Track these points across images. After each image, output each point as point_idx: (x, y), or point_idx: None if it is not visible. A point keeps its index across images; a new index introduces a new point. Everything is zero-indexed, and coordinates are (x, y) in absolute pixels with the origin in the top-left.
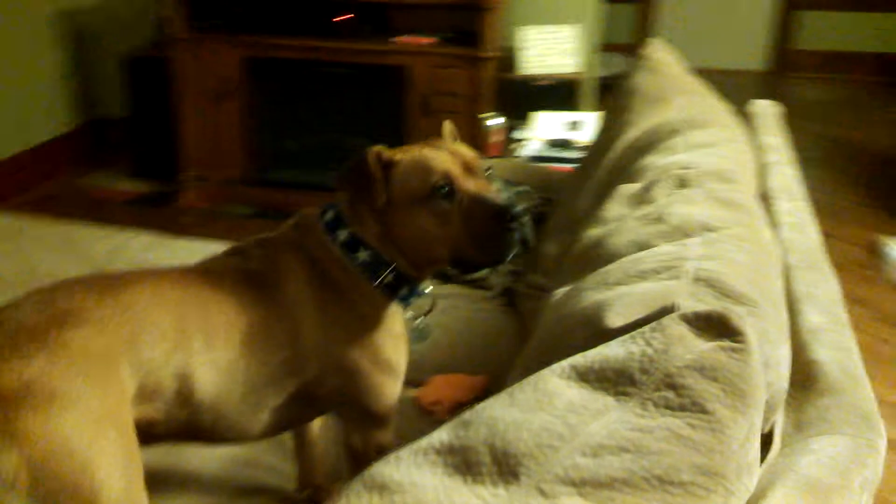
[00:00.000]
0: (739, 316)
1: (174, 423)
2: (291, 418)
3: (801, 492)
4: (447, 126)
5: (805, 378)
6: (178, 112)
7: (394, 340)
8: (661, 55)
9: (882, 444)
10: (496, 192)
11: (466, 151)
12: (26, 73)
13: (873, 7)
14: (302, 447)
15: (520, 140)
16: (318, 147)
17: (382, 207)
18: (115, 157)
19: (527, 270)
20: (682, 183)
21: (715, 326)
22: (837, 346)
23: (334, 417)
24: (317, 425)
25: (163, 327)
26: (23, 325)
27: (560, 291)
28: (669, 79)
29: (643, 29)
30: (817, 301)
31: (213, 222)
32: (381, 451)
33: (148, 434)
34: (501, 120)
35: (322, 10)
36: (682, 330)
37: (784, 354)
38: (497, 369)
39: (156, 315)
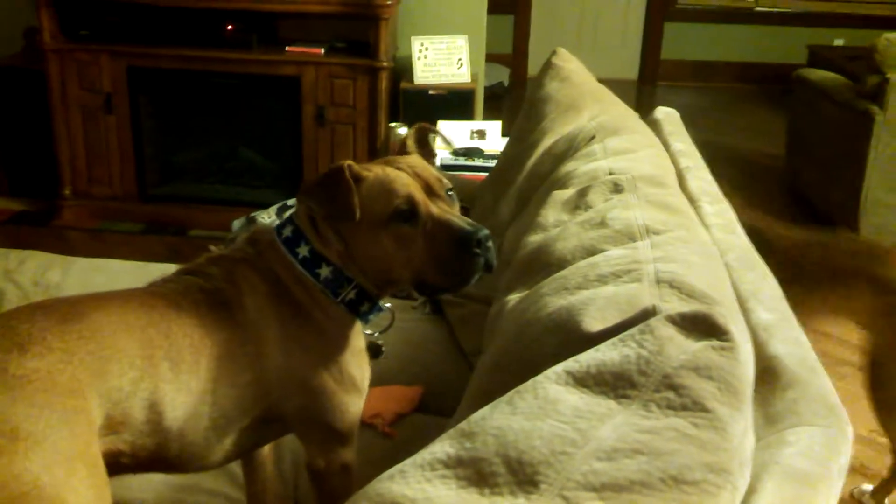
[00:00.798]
0: (723, 315)
1: (141, 452)
2: (254, 442)
3: (789, 482)
4: (409, 134)
5: (766, 373)
6: (54, 125)
7: (356, 357)
8: (570, 64)
9: (850, 432)
10: (460, 216)
11: (430, 172)
12: None
13: (731, 19)
14: (252, 469)
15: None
16: (208, 160)
17: (349, 224)
18: None
19: None
20: (617, 188)
21: (701, 326)
22: (792, 340)
23: (295, 439)
24: (267, 446)
25: (130, 354)
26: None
27: (512, 298)
28: (580, 87)
29: (521, 39)
30: (763, 299)
31: (100, 241)
32: (346, 470)
33: (114, 465)
34: (406, 129)
35: (208, 19)
36: (671, 331)
37: (749, 350)
38: (430, 378)
39: (122, 341)
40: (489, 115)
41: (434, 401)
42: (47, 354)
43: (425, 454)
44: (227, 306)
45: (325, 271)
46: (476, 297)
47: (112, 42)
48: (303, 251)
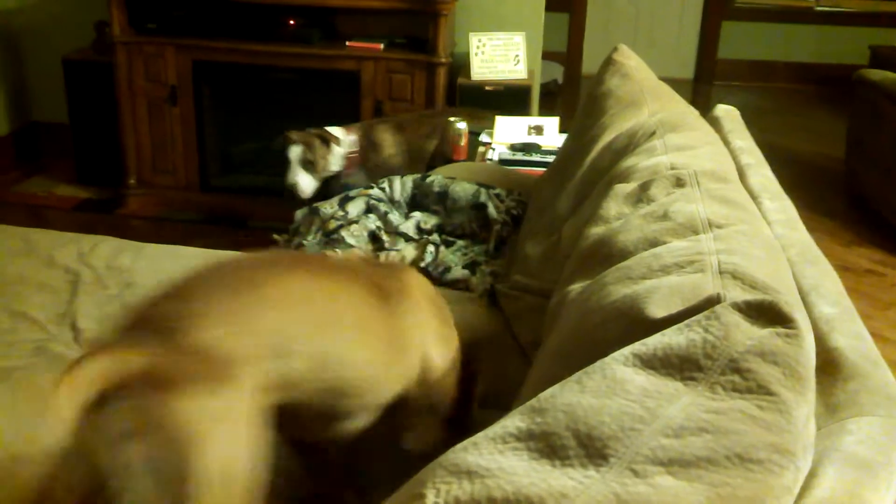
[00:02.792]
0: (788, 304)
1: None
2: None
3: (850, 469)
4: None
5: (828, 365)
6: (121, 116)
7: None
8: (631, 61)
9: None
10: None
11: None
12: None
13: (791, 19)
14: None
15: (485, 144)
16: (268, 152)
17: None
18: (55, 162)
19: (508, 271)
20: (679, 182)
21: (766, 314)
22: (853, 334)
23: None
24: None
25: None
26: (168, 323)
27: (574, 288)
28: (640, 83)
29: (576, 37)
30: (824, 293)
31: (161, 229)
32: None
33: (292, 421)
34: (465, 124)
35: (270, 14)
36: (736, 318)
37: (812, 340)
38: (487, 373)
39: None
40: (544, 111)
41: (492, 395)
42: (222, 325)
43: (496, 428)
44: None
45: None
46: (533, 290)
47: (178, 35)
48: None
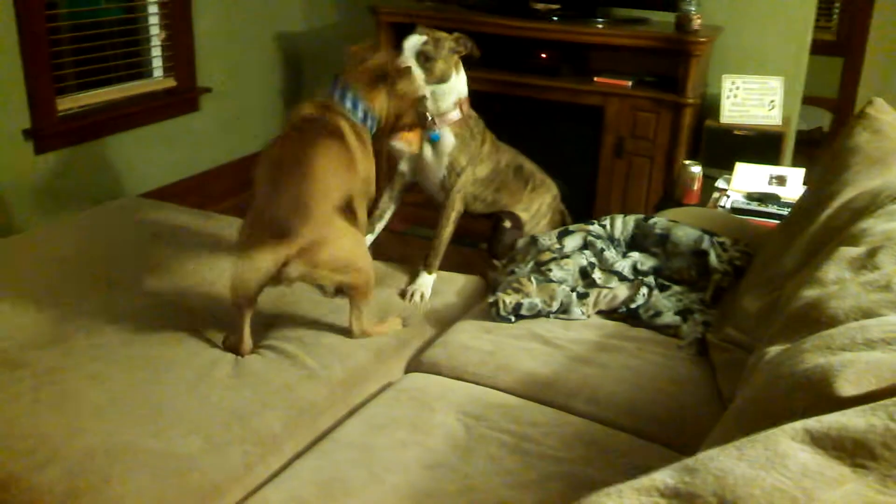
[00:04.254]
0: None
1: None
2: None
3: None
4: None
5: None
6: None
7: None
8: (887, 116)
9: None
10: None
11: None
12: (247, 87)
13: None
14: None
15: (721, 190)
16: None
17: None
18: None
19: (722, 323)
20: None
21: None
22: None
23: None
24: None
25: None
26: (278, 223)
27: (773, 350)
28: (893, 141)
29: (849, 84)
30: None
31: (403, 243)
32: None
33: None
34: (699, 168)
35: (524, 47)
36: None
37: None
38: (684, 416)
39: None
40: (800, 160)
41: (678, 438)
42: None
43: (645, 480)
44: (341, 138)
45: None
46: (744, 346)
47: None
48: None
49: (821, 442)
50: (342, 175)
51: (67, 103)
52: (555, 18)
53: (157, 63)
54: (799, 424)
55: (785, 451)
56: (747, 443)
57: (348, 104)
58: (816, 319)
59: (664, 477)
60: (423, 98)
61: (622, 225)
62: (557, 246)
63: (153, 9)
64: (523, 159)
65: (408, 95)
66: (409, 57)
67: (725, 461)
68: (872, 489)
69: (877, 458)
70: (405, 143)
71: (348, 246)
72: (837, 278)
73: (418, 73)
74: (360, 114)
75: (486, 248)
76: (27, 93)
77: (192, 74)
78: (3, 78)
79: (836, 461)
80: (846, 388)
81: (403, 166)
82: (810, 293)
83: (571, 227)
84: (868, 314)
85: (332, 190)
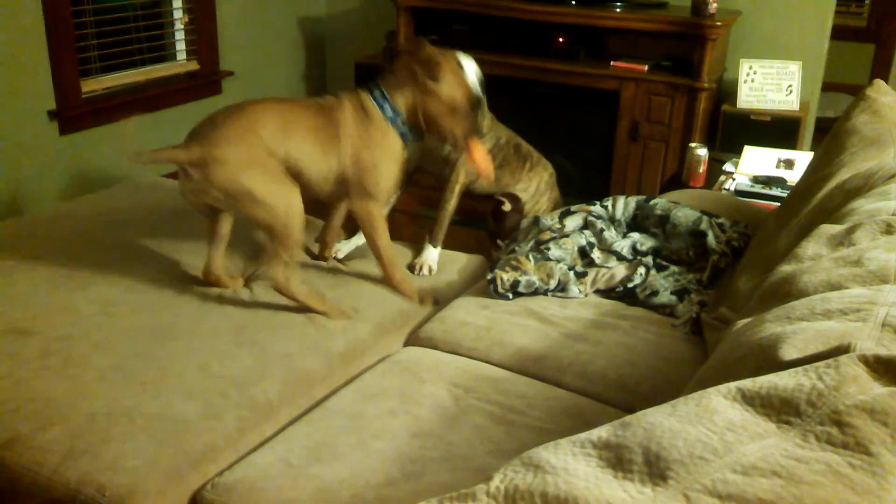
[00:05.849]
0: None
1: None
2: (344, 192)
3: None
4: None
5: None
6: None
7: (393, 157)
8: (885, 98)
9: None
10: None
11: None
12: (269, 70)
13: None
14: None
15: (727, 173)
16: None
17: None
18: None
19: (717, 303)
20: (889, 229)
21: (895, 373)
22: None
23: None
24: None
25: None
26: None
27: (741, 322)
28: (890, 122)
29: (880, 71)
30: None
31: (416, 225)
32: (370, 215)
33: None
34: (705, 150)
35: (541, 31)
36: (859, 371)
37: None
38: (672, 392)
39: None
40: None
41: None
42: (253, 133)
43: (583, 434)
44: (330, 113)
45: (390, 112)
46: (733, 322)
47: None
48: (387, 108)
49: (751, 400)
50: (302, 137)
51: (91, 85)
52: (573, 2)
53: (181, 46)
54: (733, 384)
55: (715, 407)
56: (682, 401)
57: (378, 100)
58: (787, 293)
59: (600, 431)
60: (478, 101)
61: (623, 206)
62: (558, 226)
63: None
64: (520, 139)
65: (450, 98)
66: (464, 61)
67: (657, 416)
68: (793, 443)
69: (801, 415)
70: (475, 169)
71: (259, 180)
72: (815, 254)
73: (473, 70)
74: (388, 111)
75: (487, 233)
76: (52, 75)
77: (214, 58)
78: (28, 60)
79: (762, 417)
80: (790, 353)
81: (405, 152)
82: (786, 268)
83: (573, 208)
84: (834, 287)
85: (274, 139)
